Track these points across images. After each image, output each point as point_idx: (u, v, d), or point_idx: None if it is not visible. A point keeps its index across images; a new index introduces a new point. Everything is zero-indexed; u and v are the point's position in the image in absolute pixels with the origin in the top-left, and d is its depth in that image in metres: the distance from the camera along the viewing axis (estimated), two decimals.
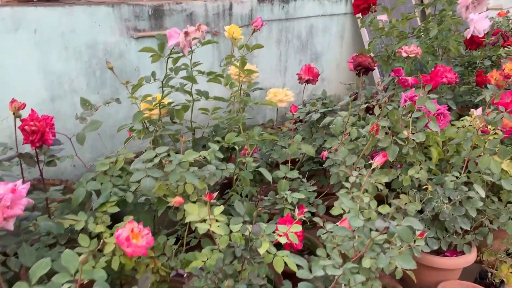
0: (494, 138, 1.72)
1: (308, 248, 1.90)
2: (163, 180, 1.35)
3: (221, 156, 1.40)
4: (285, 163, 1.85)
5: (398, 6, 2.61)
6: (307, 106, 2.08)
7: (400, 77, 1.87)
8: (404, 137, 1.66)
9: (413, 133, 1.67)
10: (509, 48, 3.08)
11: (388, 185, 1.78)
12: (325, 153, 1.62)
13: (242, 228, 1.22)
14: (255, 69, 1.81)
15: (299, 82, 2.42)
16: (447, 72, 2.25)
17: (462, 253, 1.82)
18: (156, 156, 1.32)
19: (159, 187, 1.37)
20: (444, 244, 1.77)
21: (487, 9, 5.86)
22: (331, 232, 1.31)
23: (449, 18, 2.22)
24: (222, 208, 1.29)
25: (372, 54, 2.70)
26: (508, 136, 2.06)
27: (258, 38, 3.09)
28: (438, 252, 1.83)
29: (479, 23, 2.07)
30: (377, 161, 1.42)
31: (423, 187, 1.71)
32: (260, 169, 1.52)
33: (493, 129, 2.07)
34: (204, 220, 1.26)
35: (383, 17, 2.55)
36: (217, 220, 1.25)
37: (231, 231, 1.25)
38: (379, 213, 1.45)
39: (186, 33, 1.35)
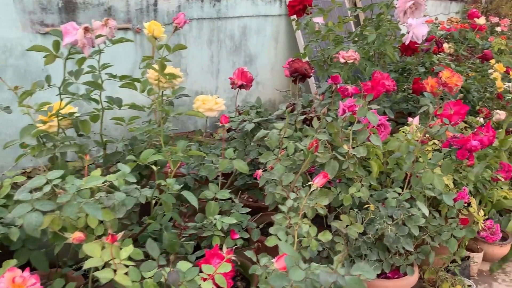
0: (436, 151, 1.61)
1: (240, 274, 1.68)
2: (58, 213, 1.07)
3: (133, 180, 1.14)
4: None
5: (334, 9, 2.48)
6: (241, 115, 1.86)
7: (339, 86, 1.71)
8: (345, 152, 1.50)
9: (353, 147, 1.51)
10: (441, 54, 3.06)
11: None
12: (259, 172, 1.41)
13: (156, 275, 0.97)
14: (178, 73, 1.55)
15: (232, 87, 2.20)
16: (386, 79, 2.13)
17: (405, 274, 1.69)
18: (47, 183, 1.04)
19: (53, 220, 1.08)
20: (387, 266, 1.63)
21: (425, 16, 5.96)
22: (266, 268, 1.10)
23: (387, 22, 2.11)
24: (130, 249, 1.03)
25: (307, 59, 2.54)
26: (446, 147, 1.97)
27: (187, 38, 2.83)
28: (380, 273, 1.69)
29: (418, 29, 1.97)
30: (317, 183, 1.23)
31: (365, 206, 1.55)
32: (184, 193, 1.27)
33: (432, 139, 1.98)
34: (110, 264, 1.00)
35: (319, 20, 2.39)
36: (126, 265, 0.99)
37: (143, 278, 1.00)
38: (319, 241, 1.26)
39: (86, 29, 1.08)
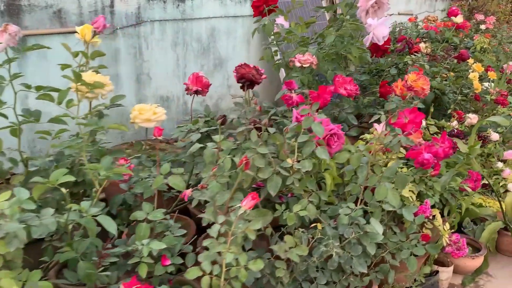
0: (392, 163, 1.48)
1: None
2: None
3: (31, 207, 1.00)
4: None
5: (309, 10, 2.34)
6: (187, 125, 1.72)
7: (285, 94, 1.57)
8: (288, 166, 1.36)
9: (298, 161, 1.37)
10: (416, 55, 2.93)
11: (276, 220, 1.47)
12: (188, 192, 1.28)
13: None
14: (106, 82, 1.41)
15: (187, 93, 2.07)
16: (347, 84, 1.99)
17: None
18: None
19: None
20: None
21: (399, 14, 5.84)
22: None
23: (347, 23, 1.97)
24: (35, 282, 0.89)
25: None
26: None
27: (148, 41, 2.69)
28: None
29: (378, 29, 1.83)
30: (245, 205, 1.09)
31: (312, 225, 1.42)
32: (100, 218, 1.13)
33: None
34: None
35: (281, 21, 2.25)
36: None
37: None
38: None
39: None
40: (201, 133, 1.66)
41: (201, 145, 1.39)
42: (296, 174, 1.36)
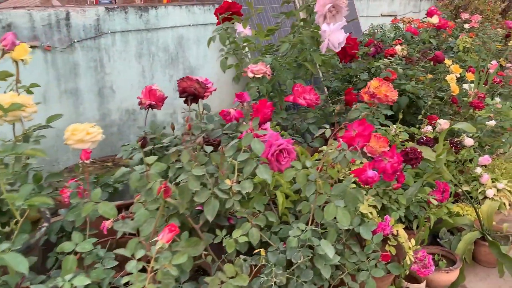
0: (345, 180, 1.37)
1: None
2: None
3: None
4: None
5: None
6: (129, 144, 1.61)
7: (223, 110, 1.46)
8: (227, 188, 1.25)
9: (239, 182, 1.26)
10: (389, 59, 2.82)
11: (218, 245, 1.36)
12: (107, 224, 1.17)
13: None
14: (27, 103, 1.30)
15: (140, 108, 1.96)
16: (307, 93, 1.88)
17: None
18: None
19: None
20: None
21: (381, 15, 5.74)
22: None
23: (303, 30, 1.87)
24: None
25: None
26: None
27: (110, 53, 2.58)
28: None
29: (333, 36, 1.72)
30: (163, 239, 0.98)
31: (255, 251, 1.30)
32: (7, 256, 1.02)
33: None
34: None
35: (241, 29, 2.15)
36: None
37: None
38: None
39: None
40: (146, 151, 1.55)
41: (128, 169, 1.28)
42: (236, 196, 1.25)
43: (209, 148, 1.26)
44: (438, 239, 2.20)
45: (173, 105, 2.94)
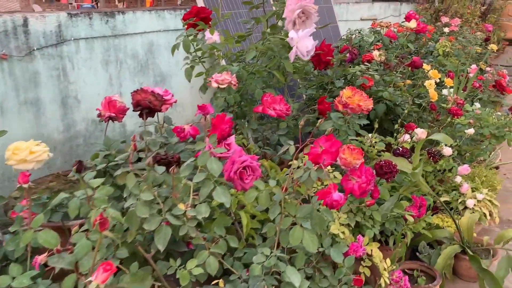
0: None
1: None
2: None
3: None
4: None
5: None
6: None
7: (176, 125, 1.34)
8: (181, 213, 1.13)
9: (195, 205, 1.14)
10: (366, 65, 2.74)
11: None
12: (40, 258, 1.04)
13: None
14: None
15: (100, 120, 1.83)
16: (277, 103, 1.78)
17: None
18: None
19: None
20: None
21: (361, 19, 5.68)
22: None
23: (269, 36, 1.76)
24: None
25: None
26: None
27: (74, 61, 2.44)
28: None
29: (302, 43, 1.62)
30: (97, 279, 0.86)
31: (213, 282, 1.19)
32: None
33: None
34: None
35: (216, 36, 2.03)
36: None
37: None
38: None
39: None
40: (97, 170, 1.42)
41: (66, 195, 1.15)
42: (191, 222, 1.13)
43: (161, 169, 1.14)
44: (417, 253, 2.11)
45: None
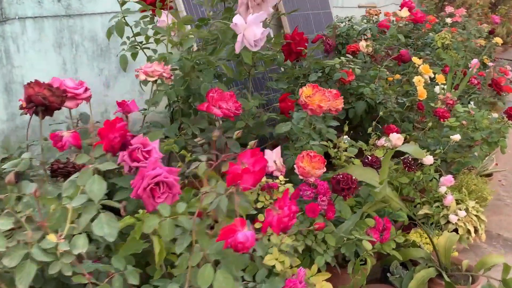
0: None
1: None
2: None
3: None
4: None
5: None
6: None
7: (52, 133, 1.07)
8: (51, 246, 0.87)
9: (73, 235, 0.88)
10: (347, 57, 2.44)
11: None
12: None
13: None
14: None
15: (21, 114, 1.58)
16: (225, 101, 1.50)
17: None
18: None
19: None
20: None
21: (359, 7, 5.33)
22: None
23: (215, 22, 1.48)
24: None
25: None
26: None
27: (18, 43, 2.17)
28: None
29: (249, 30, 1.34)
30: None
31: None
32: None
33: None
34: None
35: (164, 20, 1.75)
36: None
37: None
38: None
39: None
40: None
41: None
42: (66, 258, 0.88)
43: (29, 187, 0.88)
44: (389, 273, 1.85)
45: (104, 102, 2.55)
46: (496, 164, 3.32)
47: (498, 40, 4.54)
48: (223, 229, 0.81)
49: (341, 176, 1.37)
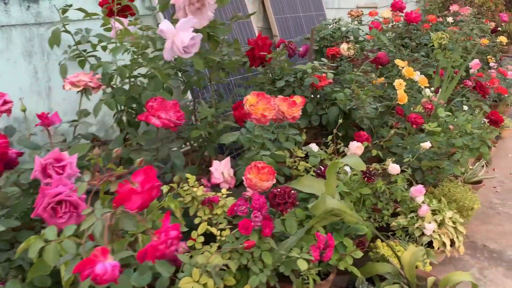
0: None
1: None
2: None
3: None
4: None
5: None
6: None
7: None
8: None
9: None
10: (323, 61, 2.34)
11: None
12: None
13: None
14: None
15: None
16: (166, 110, 1.44)
17: None
18: None
19: None
20: None
21: (357, 8, 5.19)
22: None
23: (144, 27, 1.42)
24: None
25: None
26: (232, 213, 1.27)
27: None
28: None
29: (178, 37, 1.27)
30: None
31: None
32: None
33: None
34: None
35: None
36: None
37: None
38: None
39: None
40: None
41: None
42: None
43: None
44: None
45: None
46: (493, 170, 3.16)
47: (503, 39, 4.35)
48: (82, 262, 0.74)
49: (278, 189, 1.28)
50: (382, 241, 1.89)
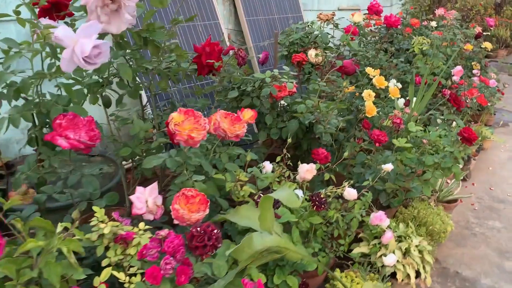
0: None
1: None
2: None
3: None
4: None
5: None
6: None
7: None
8: None
9: None
10: (283, 70, 2.14)
11: None
12: None
13: None
14: None
15: None
16: (73, 130, 1.23)
17: None
18: None
19: None
20: None
21: (338, 9, 4.97)
22: None
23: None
24: None
25: None
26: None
27: None
28: None
29: (78, 45, 1.06)
30: None
31: None
32: None
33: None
34: None
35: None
36: None
37: None
38: None
39: None
40: None
41: None
42: None
43: None
44: None
45: None
46: (473, 184, 2.98)
47: (488, 45, 4.17)
48: None
49: (197, 229, 1.08)
50: (342, 271, 1.70)
